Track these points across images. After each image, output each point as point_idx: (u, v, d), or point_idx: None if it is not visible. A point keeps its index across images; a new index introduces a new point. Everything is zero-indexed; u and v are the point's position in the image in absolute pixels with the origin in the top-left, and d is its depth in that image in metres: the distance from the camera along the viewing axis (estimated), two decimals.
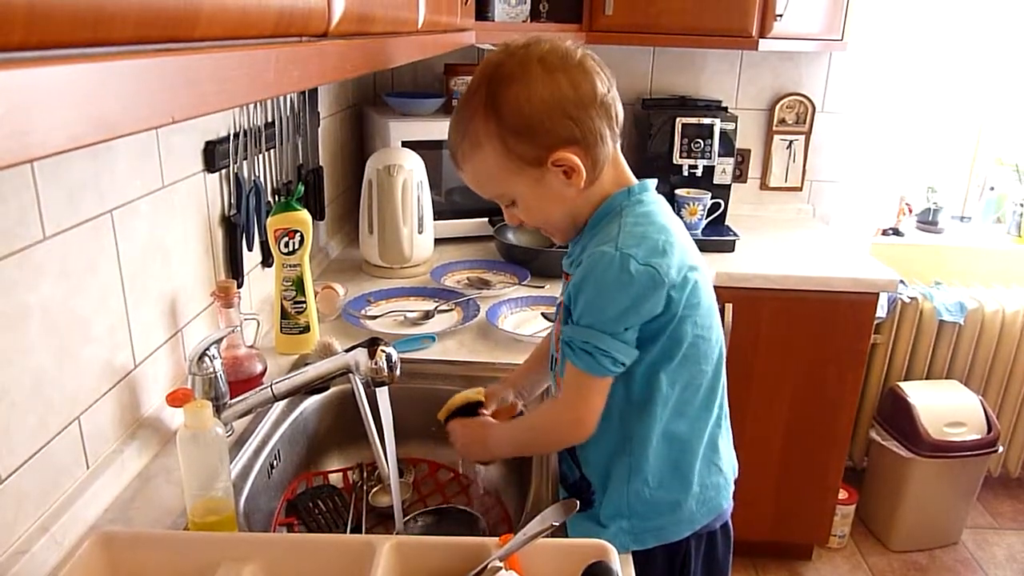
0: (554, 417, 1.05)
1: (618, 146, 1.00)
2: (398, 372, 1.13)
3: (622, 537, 1.00)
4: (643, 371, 0.97)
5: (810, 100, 2.56)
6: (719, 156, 2.29)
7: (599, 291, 0.92)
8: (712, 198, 2.27)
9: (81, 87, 0.32)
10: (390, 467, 1.13)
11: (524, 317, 1.71)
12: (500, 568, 0.78)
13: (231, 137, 1.39)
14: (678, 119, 2.26)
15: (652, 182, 1.02)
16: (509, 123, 0.92)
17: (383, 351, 1.11)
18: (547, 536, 0.81)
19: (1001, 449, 2.53)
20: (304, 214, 1.43)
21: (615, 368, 0.94)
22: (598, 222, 0.99)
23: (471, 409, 1.18)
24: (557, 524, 0.78)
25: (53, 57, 0.31)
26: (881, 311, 2.51)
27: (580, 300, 0.94)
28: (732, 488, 1.10)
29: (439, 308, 1.72)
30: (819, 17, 2.27)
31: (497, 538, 0.83)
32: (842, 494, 2.45)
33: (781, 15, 2.12)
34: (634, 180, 1.01)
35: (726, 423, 1.10)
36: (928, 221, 2.88)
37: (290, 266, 1.44)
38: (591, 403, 0.97)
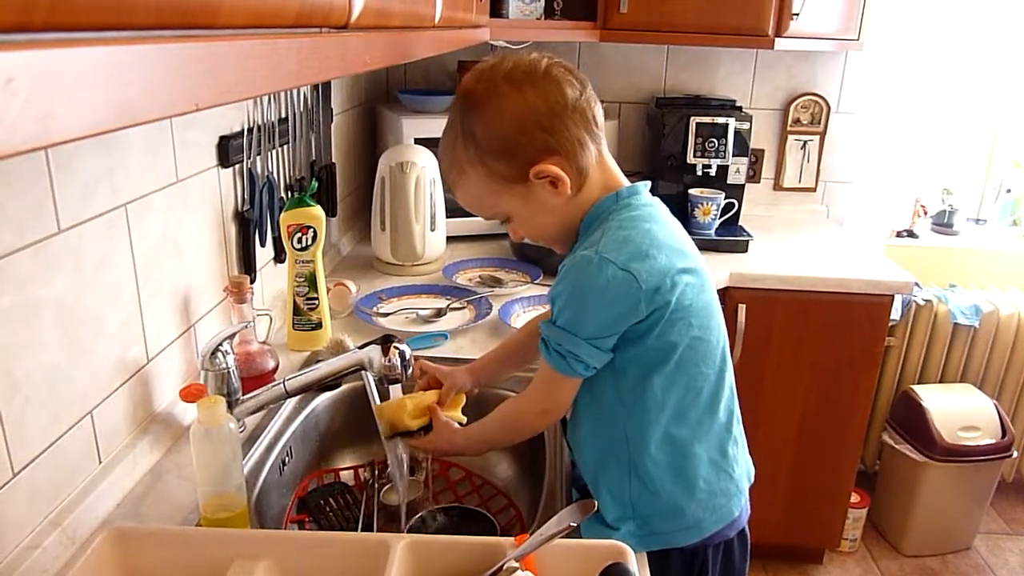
0: (526, 407, 1.06)
1: (603, 148, 0.99)
2: (411, 369, 1.12)
3: (629, 539, 0.99)
4: (635, 373, 0.96)
5: (825, 100, 2.54)
6: (733, 156, 2.27)
7: (576, 295, 0.92)
8: (726, 198, 2.26)
9: (104, 71, 0.31)
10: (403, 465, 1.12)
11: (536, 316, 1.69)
12: (516, 568, 0.77)
13: (245, 132, 1.39)
14: (692, 118, 2.24)
15: (644, 185, 1.01)
16: (485, 146, 0.94)
17: (396, 348, 1.10)
18: (563, 537, 0.80)
19: (1015, 454, 2.50)
20: (317, 210, 1.43)
21: (586, 371, 0.95)
22: (587, 228, 0.99)
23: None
24: (575, 525, 0.77)
25: (76, 40, 0.30)
26: (895, 313, 2.49)
27: (558, 301, 0.94)
28: (746, 495, 1.08)
29: (451, 306, 1.71)
30: (835, 16, 2.25)
31: (512, 538, 0.82)
32: (854, 497, 2.44)
33: (797, 14, 2.10)
34: (624, 182, 1.00)
35: (738, 428, 1.07)
36: (943, 223, 2.86)
37: (303, 262, 1.44)
38: (561, 396, 1.01)
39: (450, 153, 0.98)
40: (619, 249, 0.91)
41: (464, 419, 1.16)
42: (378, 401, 1.25)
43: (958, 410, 2.46)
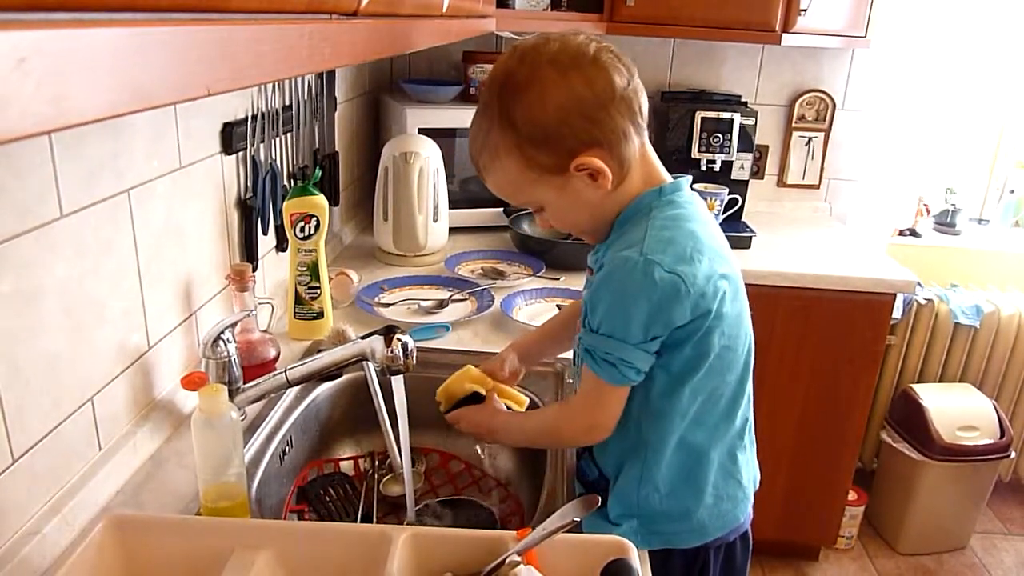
0: (571, 421, 1.01)
1: (646, 140, 0.95)
2: (414, 361, 1.12)
3: (631, 536, 0.98)
4: (666, 381, 0.94)
5: (831, 97, 2.53)
6: (738, 151, 2.27)
7: (621, 298, 0.88)
8: (729, 194, 2.25)
9: (118, 53, 0.31)
10: (403, 456, 1.11)
11: (539, 309, 1.69)
12: (518, 563, 0.77)
13: (248, 119, 1.38)
14: (697, 112, 2.24)
15: (686, 180, 0.97)
16: (525, 133, 0.88)
17: (399, 339, 1.09)
18: (565, 532, 0.80)
19: (1013, 455, 2.50)
20: (320, 199, 1.42)
21: (637, 377, 0.91)
22: (625, 222, 0.94)
23: (474, 399, 1.16)
24: (578, 520, 0.77)
25: (90, 21, 0.29)
26: (896, 312, 2.49)
27: (601, 306, 0.90)
28: (751, 500, 1.07)
29: (453, 297, 1.71)
30: (843, 13, 2.24)
31: (515, 532, 0.82)
32: (851, 495, 2.44)
33: (805, 10, 2.09)
34: (667, 177, 0.96)
35: (750, 435, 1.06)
36: (946, 223, 2.85)
37: (305, 251, 1.43)
38: (610, 410, 0.95)
39: (484, 136, 0.92)
40: (664, 250, 0.87)
41: (525, 402, 1.16)
42: (379, 393, 1.25)
43: (957, 410, 2.46)
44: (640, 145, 0.93)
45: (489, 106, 0.91)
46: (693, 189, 2.28)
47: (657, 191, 0.94)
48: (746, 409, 1.03)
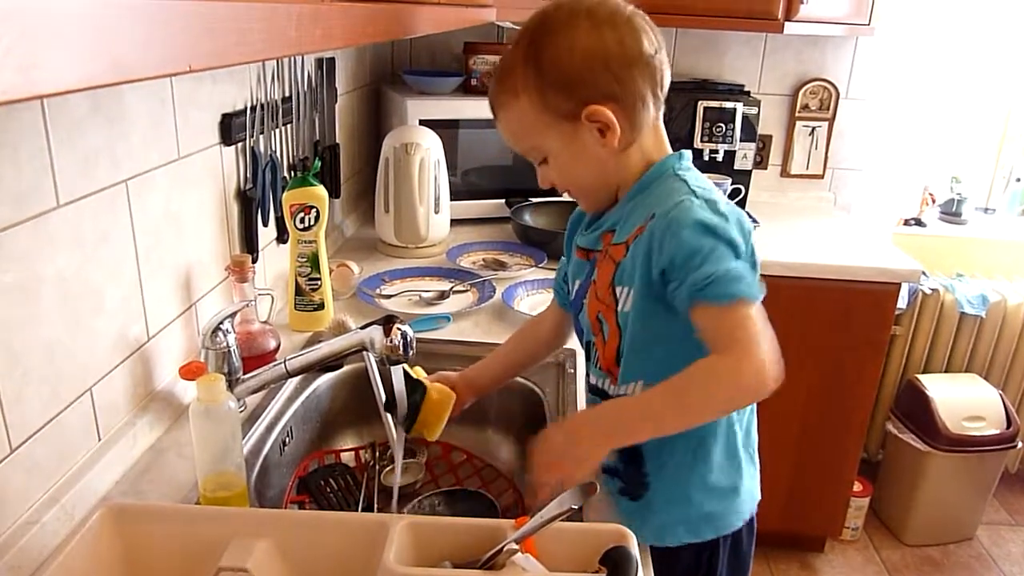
0: (729, 370, 0.82)
1: (660, 116, 0.96)
2: (413, 350, 1.11)
3: (677, 529, 0.97)
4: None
5: (834, 86, 2.52)
6: (740, 141, 2.25)
7: (701, 229, 0.83)
8: (732, 184, 2.24)
9: (94, 23, 0.30)
10: (396, 448, 1.11)
11: (540, 299, 1.68)
12: (516, 551, 0.76)
13: (248, 110, 1.37)
14: (700, 102, 2.23)
15: (688, 152, 0.99)
16: (548, 73, 0.89)
17: (398, 329, 1.09)
18: (564, 520, 0.79)
19: (1020, 445, 2.49)
20: (320, 190, 1.41)
21: (760, 293, 0.84)
22: (648, 184, 0.94)
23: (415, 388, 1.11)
24: (576, 507, 0.76)
25: None
26: (901, 302, 2.47)
27: (683, 248, 0.83)
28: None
29: (455, 289, 1.70)
30: (846, 0, 2.22)
31: (513, 520, 0.82)
32: (857, 486, 2.43)
33: None
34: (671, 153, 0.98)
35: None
36: (951, 212, 2.83)
37: (305, 242, 1.43)
38: (762, 341, 0.81)
39: (507, 73, 0.93)
40: (712, 195, 0.89)
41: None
42: (380, 383, 1.24)
43: (963, 400, 2.44)
44: (655, 117, 0.94)
45: (519, 45, 0.93)
46: None
47: (677, 156, 0.96)
48: None
